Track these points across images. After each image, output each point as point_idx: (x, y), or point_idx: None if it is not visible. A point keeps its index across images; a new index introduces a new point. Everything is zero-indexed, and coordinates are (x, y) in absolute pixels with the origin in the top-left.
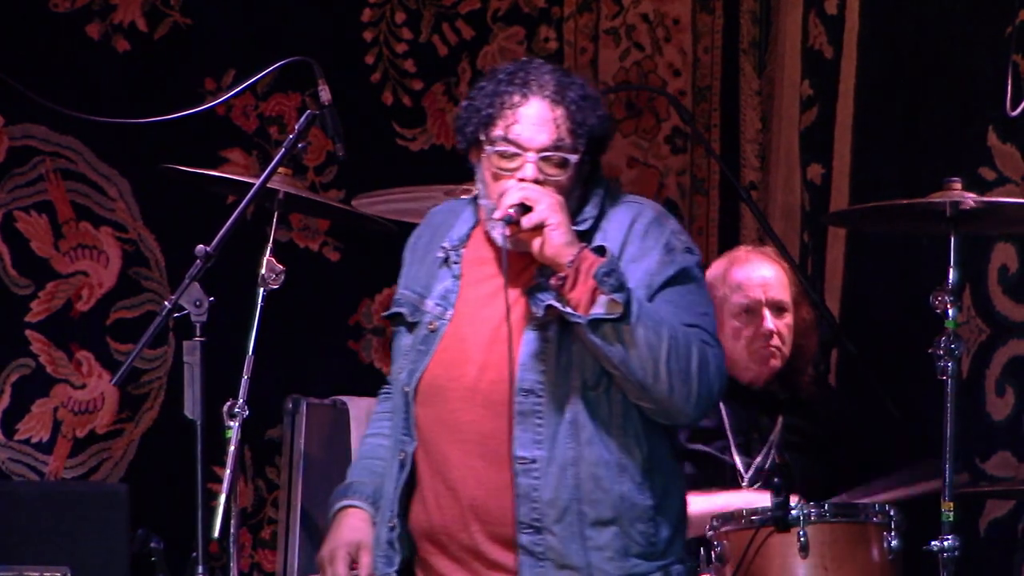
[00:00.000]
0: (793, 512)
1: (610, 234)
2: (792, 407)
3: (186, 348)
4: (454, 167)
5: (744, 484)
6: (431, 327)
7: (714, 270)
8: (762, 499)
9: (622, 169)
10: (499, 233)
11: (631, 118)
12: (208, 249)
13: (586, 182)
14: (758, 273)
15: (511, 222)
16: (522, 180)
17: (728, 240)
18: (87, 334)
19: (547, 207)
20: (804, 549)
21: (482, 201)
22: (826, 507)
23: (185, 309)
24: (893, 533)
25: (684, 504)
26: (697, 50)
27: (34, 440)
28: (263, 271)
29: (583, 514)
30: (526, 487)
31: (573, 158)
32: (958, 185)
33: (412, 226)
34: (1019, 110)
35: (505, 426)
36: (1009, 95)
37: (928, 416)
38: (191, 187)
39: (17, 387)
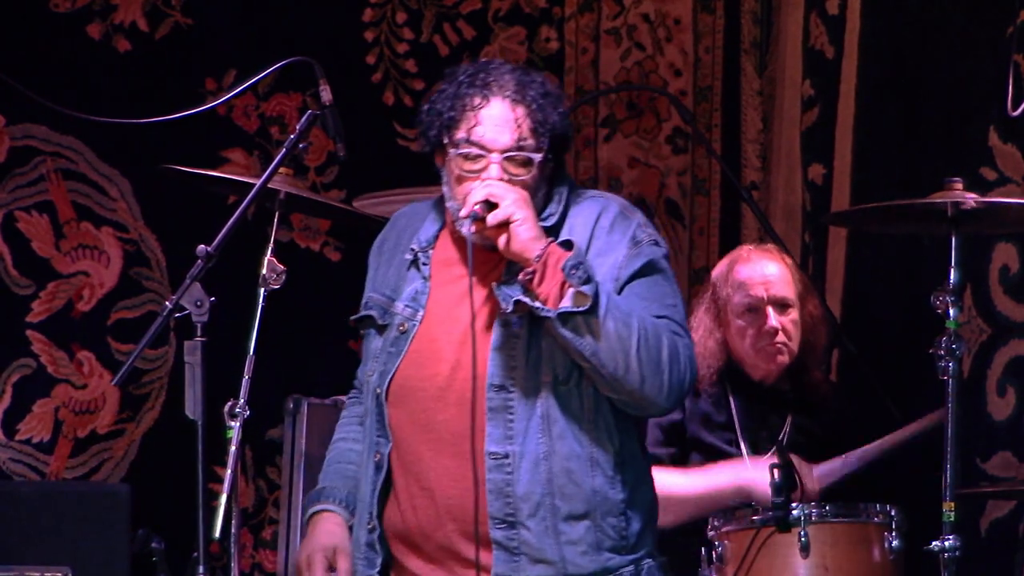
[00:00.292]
0: (794, 512)
1: (576, 229)
2: (801, 407)
3: (187, 348)
4: None
5: None
6: (401, 328)
7: (717, 270)
8: (758, 469)
9: (623, 169)
10: (466, 231)
11: (632, 118)
12: (209, 249)
13: (551, 180)
14: (760, 271)
15: (477, 219)
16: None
17: (729, 240)
18: (88, 334)
19: (512, 203)
20: (805, 549)
21: (449, 203)
22: (827, 507)
23: (186, 309)
24: (894, 533)
25: (655, 498)
26: (698, 50)
27: (35, 440)
28: (264, 271)
29: (556, 508)
30: (499, 482)
31: (537, 157)
32: (959, 185)
33: None
34: (1020, 110)
35: (478, 423)
36: (1010, 95)
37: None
38: (192, 187)
39: (18, 387)
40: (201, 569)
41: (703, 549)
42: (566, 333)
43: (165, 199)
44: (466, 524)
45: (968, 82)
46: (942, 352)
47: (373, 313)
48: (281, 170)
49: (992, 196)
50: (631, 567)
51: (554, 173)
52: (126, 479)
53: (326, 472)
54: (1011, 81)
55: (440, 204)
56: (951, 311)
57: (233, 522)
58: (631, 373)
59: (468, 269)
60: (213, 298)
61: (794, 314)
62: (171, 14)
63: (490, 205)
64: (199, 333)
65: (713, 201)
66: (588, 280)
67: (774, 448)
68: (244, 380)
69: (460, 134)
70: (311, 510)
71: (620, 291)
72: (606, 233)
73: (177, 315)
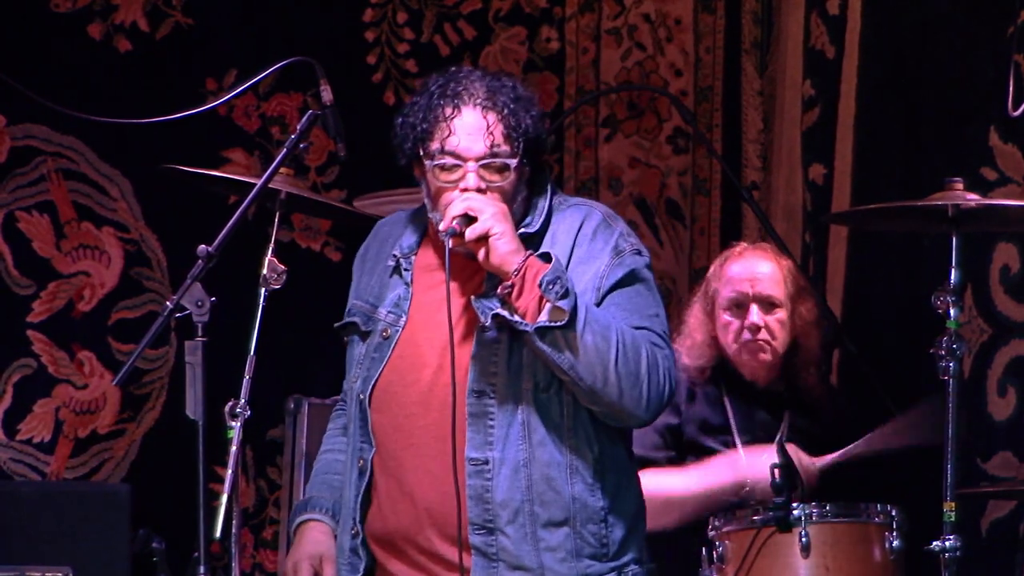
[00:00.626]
0: (795, 512)
1: (558, 237)
2: (797, 406)
3: (188, 348)
4: None
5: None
6: (385, 334)
7: (712, 266)
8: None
9: (624, 169)
10: (446, 243)
11: (633, 118)
12: (210, 249)
13: (532, 184)
14: (750, 268)
15: (455, 234)
16: (465, 190)
17: (730, 240)
18: (89, 334)
19: (491, 216)
20: (806, 549)
21: (430, 214)
22: (828, 507)
23: (187, 309)
24: (895, 533)
25: (641, 505)
26: (699, 50)
27: (36, 440)
28: (265, 271)
29: (535, 515)
30: (479, 488)
31: (512, 162)
32: (960, 185)
33: None
34: (1020, 110)
35: (458, 428)
36: (1011, 95)
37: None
38: (193, 187)
39: (19, 387)
40: (202, 569)
41: (703, 549)
42: (544, 347)
43: (166, 199)
44: (446, 528)
45: (969, 82)
46: (943, 352)
47: (356, 320)
48: (282, 170)
49: (993, 196)
50: (613, 574)
51: (534, 178)
52: (127, 479)
53: (312, 483)
54: (1012, 81)
55: (422, 211)
56: (952, 311)
57: (234, 522)
58: (609, 386)
59: (448, 278)
60: (214, 298)
61: (781, 314)
62: (172, 14)
63: (468, 219)
64: (200, 333)
65: (714, 201)
66: (566, 294)
67: (777, 441)
68: (245, 380)
69: (435, 145)
70: (297, 520)
71: (601, 301)
72: (588, 240)
73: (178, 315)
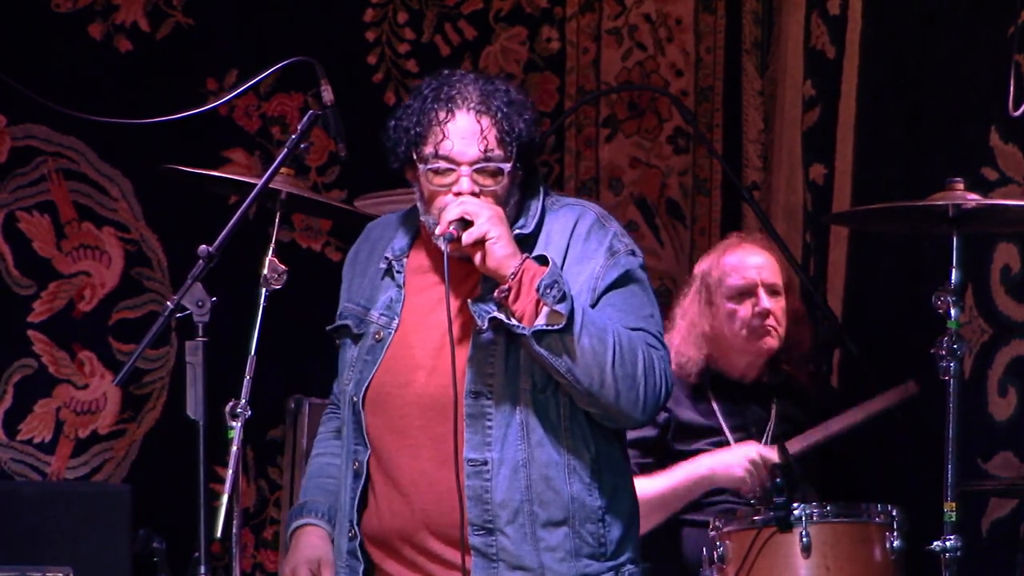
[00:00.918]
0: (795, 512)
1: (552, 237)
2: (784, 394)
3: (188, 348)
4: None
5: None
6: (377, 337)
7: (706, 258)
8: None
9: (624, 169)
10: (442, 247)
11: (633, 118)
12: (210, 249)
13: (525, 186)
14: (751, 257)
15: (452, 240)
16: (459, 194)
17: None
18: (89, 334)
19: (487, 220)
20: (806, 549)
21: (423, 217)
22: (828, 507)
23: (187, 309)
24: (895, 533)
25: (635, 504)
26: (699, 50)
27: (36, 440)
28: (265, 271)
29: (535, 515)
30: (477, 489)
31: (506, 166)
32: (960, 185)
33: None
34: (1021, 110)
35: (458, 429)
36: (1011, 95)
37: (930, 416)
38: (193, 187)
39: (19, 387)
40: (202, 569)
41: (704, 549)
42: (541, 350)
43: (166, 199)
44: (442, 528)
45: (969, 82)
46: (943, 352)
47: (349, 322)
48: (282, 170)
49: (993, 196)
50: (611, 573)
51: (527, 180)
52: (127, 479)
53: (306, 487)
54: (1012, 81)
55: (413, 213)
56: (952, 311)
57: (234, 522)
58: (606, 388)
59: (443, 278)
60: (214, 298)
61: (783, 302)
62: (172, 14)
63: (465, 223)
64: (200, 333)
65: (714, 201)
66: (563, 298)
67: (777, 441)
68: (245, 380)
69: (428, 149)
70: (293, 525)
71: (596, 302)
72: (583, 241)
73: (178, 315)
